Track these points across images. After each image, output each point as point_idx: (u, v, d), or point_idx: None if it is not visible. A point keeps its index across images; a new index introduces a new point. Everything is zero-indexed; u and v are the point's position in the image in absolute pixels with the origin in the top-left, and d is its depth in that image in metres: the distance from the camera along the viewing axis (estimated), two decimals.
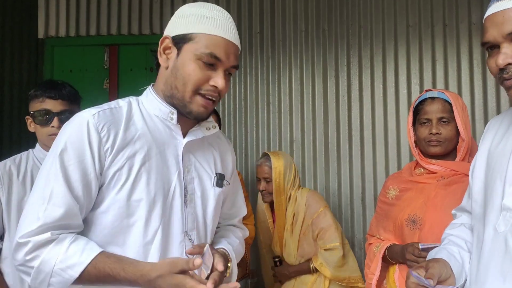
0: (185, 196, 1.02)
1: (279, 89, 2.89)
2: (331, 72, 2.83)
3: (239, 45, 1.03)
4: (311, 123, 2.83)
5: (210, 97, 0.99)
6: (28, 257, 0.88)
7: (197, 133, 1.06)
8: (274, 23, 2.92)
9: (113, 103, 1.02)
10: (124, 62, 3.00)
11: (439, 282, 0.98)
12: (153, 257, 0.96)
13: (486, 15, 0.93)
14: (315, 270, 1.98)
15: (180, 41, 0.99)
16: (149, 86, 1.07)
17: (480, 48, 2.59)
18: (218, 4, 2.87)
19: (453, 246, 1.10)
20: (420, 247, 1.27)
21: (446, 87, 2.66)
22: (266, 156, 2.16)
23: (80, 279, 0.88)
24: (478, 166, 1.07)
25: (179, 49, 0.99)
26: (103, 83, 3.00)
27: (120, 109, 1.01)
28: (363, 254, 2.65)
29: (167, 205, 0.99)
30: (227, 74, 1.02)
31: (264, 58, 2.92)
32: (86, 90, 3.01)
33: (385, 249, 1.54)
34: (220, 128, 2.06)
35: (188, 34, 0.98)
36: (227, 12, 1.04)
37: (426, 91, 1.60)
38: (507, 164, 0.95)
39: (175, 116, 1.02)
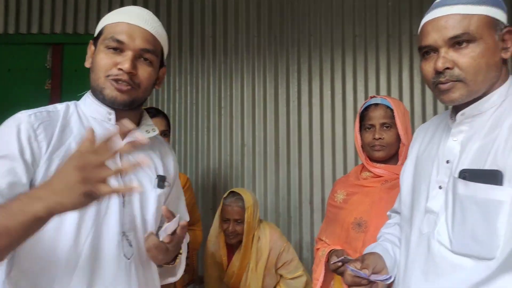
0: (123, 196, 1.01)
1: (231, 94, 2.90)
2: (282, 78, 2.88)
3: (153, 32, 1.03)
4: (262, 127, 2.86)
5: (120, 80, 0.98)
6: None
7: (136, 135, 1.04)
8: (226, 28, 2.93)
9: (50, 107, 1.02)
10: (69, 62, 2.87)
11: (373, 273, 1.03)
12: (86, 257, 0.93)
13: (426, 19, 0.97)
14: None
15: (95, 40, 1.05)
16: (87, 92, 1.07)
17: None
18: (170, 9, 2.93)
19: (387, 242, 1.17)
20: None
21: (389, 94, 2.80)
22: (236, 195, 2.05)
23: None
24: (407, 171, 1.13)
25: (95, 47, 1.04)
26: (45, 84, 2.85)
27: (57, 112, 1.00)
28: (310, 256, 2.70)
29: (102, 206, 0.97)
30: (143, 60, 1.01)
31: (216, 62, 2.91)
32: (26, 90, 2.86)
33: (327, 254, 1.59)
34: (169, 132, 2.02)
35: (100, 30, 1.04)
36: (144, 9, 1.07)
37: (371, 97, 1.67)
38: (431, 169, 1.01)
39: (113, 117, 1.02)
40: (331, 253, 1.56)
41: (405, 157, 1.54)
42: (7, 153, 0.88)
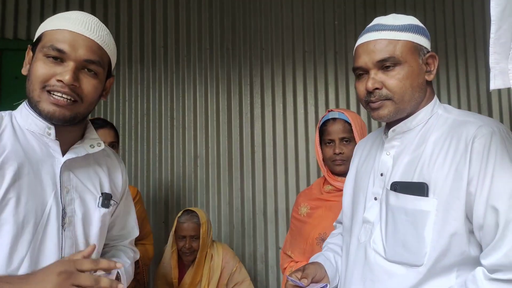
0: (63, 218, 0.94)
1: (183, 105, 2.87)
2: (235, 90, 2.91)
3: (99, 41, 0.96)
4: (215, 139, 2.86)
5: (59, 94, 0.90)
6: None
7: (78, 151, 0.99)
8: (178, 39, 2.91)
9: None
10: (8, 69, 2.69)
11: (313, 282, 1.09)
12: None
13: (358, 43, 1.06)
14: None
15: (34, 45, 0.96)
16: (25, 100, 0.98)
17: None
18: (119, 17, 2.86)
19: (330, 252, 1.23)
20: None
21: (337, 107, 2.94)
22: (190, 212, 2.10)
23: None
24: (348, 183, 1.21)
25: (33, 53, 0.95)
26: None
27: None
28: (264, 267, 2.73)
29: (39, 229, 0.89)
30: (86, 72, 0.94)
31: (168, 72, 2.88)
32: None
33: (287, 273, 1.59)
34: (118, 144, 1.95)
35: (39, 36, 0.96)
36: (90, 15, 0.99)
37: (329, 111, 1.68)
38: (368, 181, 1.09)
39: (52, 132, 0.94)
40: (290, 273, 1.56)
41: None
42: None
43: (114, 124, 2.05)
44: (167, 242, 2.19)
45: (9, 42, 2.71)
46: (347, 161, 1.58)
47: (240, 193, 2.82)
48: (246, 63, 2.94)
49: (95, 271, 0.84)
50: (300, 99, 2.94)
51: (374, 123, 2.90)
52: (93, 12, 2.81)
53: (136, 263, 1.83)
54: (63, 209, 0.94)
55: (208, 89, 2.90)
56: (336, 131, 1.60)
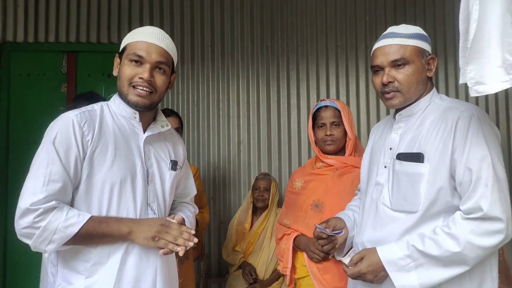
0: (147, 176, 1.31)
1: (228, 97, 3.25)
2: (273, 83, 3.25)
3: (165, 47, 1.28)
4: (256, 126, 3.22)
5: (141, 88, 1.24)
6: (36, 219, 1.11)
7: (154, 129, 1.36)
8: (223, 38, 3.29)
9: (89, 107, 1.29)
10: (82, 68, 3.18)
11: (333, 230, 1.46)
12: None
13: (376, 46, 1.37)
14: (282, 274, 2.39)
15: (120, 54, 1.31)
16: (115, 94, 1.36)
17: None
18: (173, 20, 3.28)
19: (350, 210, 1.59)
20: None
21: (367, 97, 3.21)
22: (265, 174, 2.87)
23: (78, 235, 1.14)
24: (365, 157, 1.55)
25: (121, 60, 1.30)
26: (61, 87, 3.16)
27: (94, 111, 1.27)
28: None
29: (134, 183, 1.26)
30: (158, 70, 1.27)
31: (215, 69, 3.27)
32: (44, 93, 3.17)
33: (292, 242, 1.82)
34: (182, 129, 2.34)
35: (124, 47, 1.30)
36: (157, 28, 1.33)
37: (321, 100, 1.93)
38: (380, 154, 1.42)
39: (137, 116, 1.29)
40: (310, 245, 1.74)
41: (352, 149, 1.88)
42: (67, 145, 1.18)
43: None
44: (214, 215, 2.67)
45: (83, 45, 3.19)
46: (336, 141, 1.85)
47: (278, 174, 3.17)
48: (283, 58, 3.27)
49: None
50: (332, 90, 3.23)
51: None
52: (151, 19, 3.25)
53: (197, 226, 2.27)
54: (147, 170, 1.32)
55: (250, 83, 3.26)
56: (327, 116, 1.85)
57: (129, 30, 3.49)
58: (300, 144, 3.20)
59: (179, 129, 2.29)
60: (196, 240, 1.24)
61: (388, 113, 3.13)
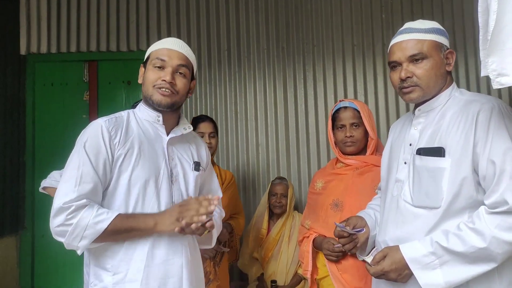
0: (171, 176, 1.37)
1: (245, 99, 3.28)
2: (290, 84, 3.26)
3: (185, 53, 1.39)
4: (274, 128, 3.23)
5: (164, 89, 1.33)
6: (69, 217, 1.18)
7: (176, 132, 1.43)
8: (239, 42, 3.32)
9: (117, 114, 1.39)
10: (103, 76, 3.27)
11: (354, 228, 1.44)
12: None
13: (393, 42, 1.36)
14: (303, 278, 2.40)
15: (145, 63, 1.42)
16: (141, 101, 1.45)
17: None
18: (190, 27, 3.33)
19: (370, 210, 1.57)
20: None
21: (386, 96, 3.17)
22: (281, 178, 2.81)
23: (107, 230, 1.20)
24: (385, 154, 1.53)
25: (145, 68, 1.40)
26: (83, 95, 3.25)
27: (121, 118, 1.37)
28: None
29: (158, 182, 1.34)
30: (179, 74, 1.36)
31: (231, 72, 3.30)
32: (67, 102, 3.27)
33: (312, 243, 1.83)
34: (217, 134, 2.36)
35: (147, 56, 1.41)
36: (176, 38, 1.45)
37: (340, 101, 1.91)
38: (400, 151, 1.41)
39: (161, 118, 1.38)
40: (324, 243, 1.75)
41: (374, 148, 1.86)
42: (97, 149, 1.26)
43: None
44: None
45: (103, 54, 3.29)
46: (356, 142, 1.83)
47: (297, 175, 3.16)
48: (299, 60, 3.27)
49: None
50: (350, 90, 3.21)
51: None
52: (168, 26, 3.31)
53: (231, 232, 2.30)
54: (170, 170, 1.37)
55: (267, 85, 3.27)
56: (347, 117, 1.83)
57: (148, 38, 3.58)
58: (318, 145, 3.19)
59: (214, 134, 2.31)
60: (214, 205, 1.26)
61: (408, 111, 3.09)
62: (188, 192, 1.42)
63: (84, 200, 1.20)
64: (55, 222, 1.20)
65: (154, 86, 1.34)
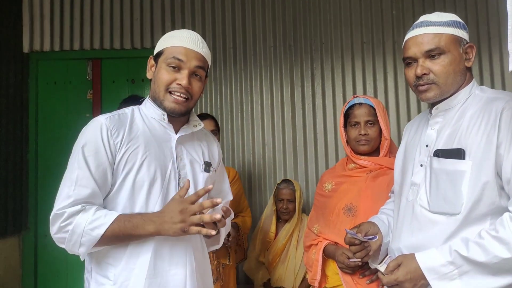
0: (179, 178, 1.28)
1: (251, 98, 3.20)
2: (297, 83, 3.17)
3: (203, 53, 1.28)
4: (280, 128, 3.15)
5: (179, 94, 1.23)
6: (63, 224, 1.12)
7: (186, 130, 1.33)
8: (245, 40, 3.24)
9: (120, 111, 1.30)
10: (107, 74, 3.22)
11: (366, 235, 1.34)
12: None
13: (408, 37, 1.26)
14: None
15: (157, 57, 1.30)
16: (147, 97, 1.36)
17: None
18: (194, 24, 3.26)
19: (383, 215, 1.47)
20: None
21: (396, 95, 3.07)
22: (287, 182, 2.64)
23: (105, 236, 1.13)
24: (398, 156, 1.43)
25: (156, 63, 1.29)
26: (87, 94, 3.20)
27: (125, 115, 1.28)
28: None
29: (164, 185, 1.25)
30: (195, 76, 1.26)
31: (237, 70, 3.22)
32: (71, 100, 3.23)
33: (322, 252, 1.72)
34: (218, 132, 2.33)
35: (160, 50, 1.29)
36: (193, 32, 1.32)
37: (354, 97, 1.81)
38: (415, 152, 1.31)
39: (166, 117, 1.28)
40: (338, 255, 1.64)
41: (387, 150, 1.75)
42: (96, 150, 1.18)
43: None
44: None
45: (107, 52, 3.23)
46: (370, 141, 1.72)
47: (305, 176, 3.08)
48: (307, 58, 3.18)
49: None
50: (359, 88, 3.12)
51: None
52: (172, 24, 3.24)
53: (238, 230, 2.23)
54: (178, 172, 1.28)
55: (273, 83, 3.19)
56: (362, 114, 1.73)
57: (152, 35, 3.50)
58: (326, 145, 3.10)
59: (216, 132, 2.29)
60: (219, 200, 1.14)
61: (419, 111, 2.99)
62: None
63: (79, 206, 1.14)
64: (53, 230, 1.16)
65: (167, 89, 1.24)
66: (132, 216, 1.17)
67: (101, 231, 1.12)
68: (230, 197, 1.54)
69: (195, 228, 1.13)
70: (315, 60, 3.18)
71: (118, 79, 3.20)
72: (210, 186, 1.19)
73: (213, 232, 1.13)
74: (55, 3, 3.26)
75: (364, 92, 3.10)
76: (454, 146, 1.17)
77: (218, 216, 1.13)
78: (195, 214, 1.13)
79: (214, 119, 2.32)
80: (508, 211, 1.08)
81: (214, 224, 1.17)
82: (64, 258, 2.96)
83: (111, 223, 1.13)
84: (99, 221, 1.13)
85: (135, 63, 3.14)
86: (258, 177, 3.15)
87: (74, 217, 1.13)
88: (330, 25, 3.18)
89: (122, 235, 1.15)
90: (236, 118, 3.20)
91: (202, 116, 2.29)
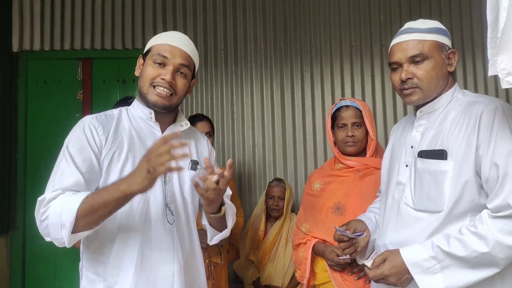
0: (164, 176, 1.30)
1: (242, 100, 3.24)
2: (287, 85, 3.22)
3: (189, 52, 1.31)
4: (270, 129, 3.19)
5: (162, 88, 1.25)
6: (43, 210, 1.13)
7: (173, 129, 1.35)
8: (236, 42, 3.28)
9: (108, 112, 1.33)
10: (97, 74, 3.21)
11: (354, 232, 1.41)
12: (138, 221, 1.23)
13: (393, 42, 1.33)
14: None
15: (145, 55, 1.34)
16: (135, 98, 1.38)
17: None
18: (186, 25, 3.28)
19: (371, 213, 1.53)
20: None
21: (384, 97, 3.15)
22: (279, 180, 2.75)
23: (82, 209, 1.09)
24: (385, 156, 1.49)
25: (144, 61, 1.33)
26: (77, 94, 3.19)
27: (112, 116, 1.32)
28: None
29: None
30: (180, 74, 1.29)
31: (228, 72, 3.26)
32: (61, 100, 3.22)
33: (311, 250, 1.76)
34: (213, 133, 2.36)
35: (148, 48, 1.33)
36: (182, 33, 1.36)
37: (341, 99, 1.88)
38: (401, 153, 1.37)
39: (153, 115, 1.31)
40: (327, 253, 1.69)
41: (373, 150, 1.82)
42: (80, 145, 1.21)
43: None
44: None
45: (97, 52, 3.23)
46: (357, 142, 1.79)
47: (294, 176, 3.13)
48: (297, 60, 3.24)
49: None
50: (348, 91, 3.18)
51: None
52: (164, 25, 3.26)
53: (230, 232, 2.24)
54: None
55: (264, 85, 3.23)
56: (349, 116, 1.79)
57: (143, 36, 3.52)
58: (315, 147, 3.15)
59: (211, 133, 2.31)
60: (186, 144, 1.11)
61: (405, 113, 3.07)
62: (183, 193, 1.35)
63: (59, 191, 1.14)
64: (37, 220, 1.15)
65: (151, 83, 1.27)
66: (104, 186, 1.18)
67: (76, 205, 1.09)
68: (230, 192, 1.51)
69: (161, 168, 1.05)
70: (305, 62, 3.23)
71: (109, 79, 3.20)
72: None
73: (181, 163, 1.09)
74: (46, 2, 3.25)
75: (352, 95, 3.17)
76: (437, 147, 1.23)
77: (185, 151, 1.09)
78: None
79: (209, 121, 2.35)
80: (487, 208, 1.14)
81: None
82: (52, 258, 2.95)
83: (87, 196, 1.12)
84: (73, 198, 1.12)
85: (125, 64, 3.14)
86: (249, 177, 3.18)
87: (53, 200, 1.13)
88: (320, 28, 3.24)
89: (98, 205, 1.10)
90: (227, 119, 3.23)
91: (198, 118, 2.31)
